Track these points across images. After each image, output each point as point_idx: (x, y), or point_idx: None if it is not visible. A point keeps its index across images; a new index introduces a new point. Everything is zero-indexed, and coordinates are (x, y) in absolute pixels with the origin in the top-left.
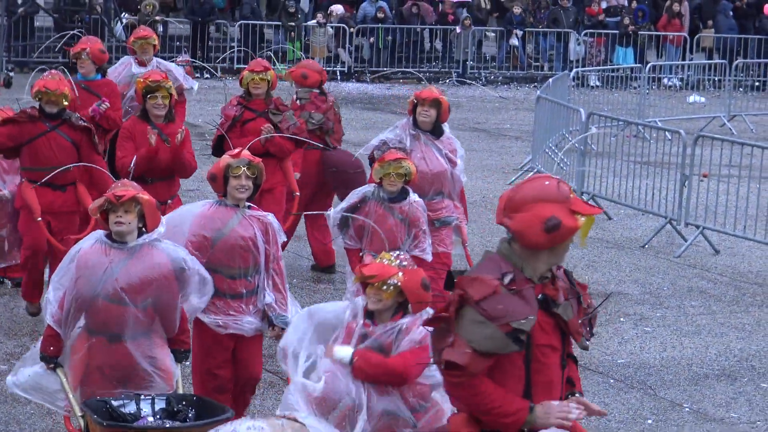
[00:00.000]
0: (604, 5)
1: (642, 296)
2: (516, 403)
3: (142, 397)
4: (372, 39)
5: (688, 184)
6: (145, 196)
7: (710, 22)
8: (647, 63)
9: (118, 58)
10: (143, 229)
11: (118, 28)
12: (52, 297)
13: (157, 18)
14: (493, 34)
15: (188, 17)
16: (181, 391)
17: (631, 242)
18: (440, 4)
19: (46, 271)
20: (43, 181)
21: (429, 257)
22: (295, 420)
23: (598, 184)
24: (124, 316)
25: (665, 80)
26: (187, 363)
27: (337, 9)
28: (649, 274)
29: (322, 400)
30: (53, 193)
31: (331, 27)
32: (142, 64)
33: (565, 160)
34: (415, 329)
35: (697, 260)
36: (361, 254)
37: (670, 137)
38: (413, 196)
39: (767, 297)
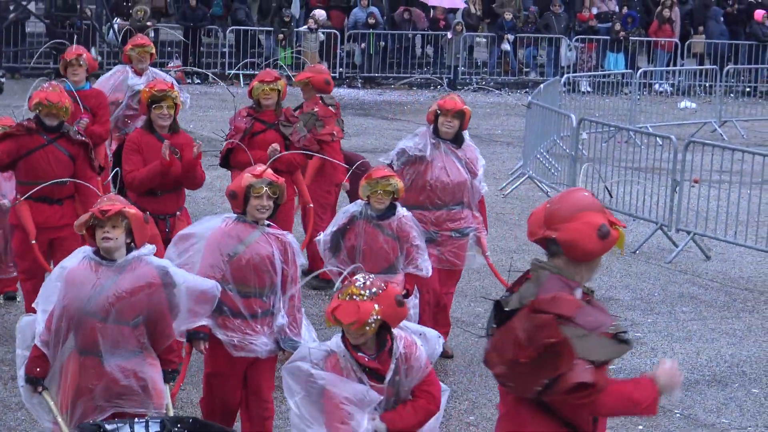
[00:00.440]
0: (595, 11)
1: (633, 302)
2: (641, 385)
3: (136, 420)
4: (363, 45)
5: (679, 189)
6: (132, 210)
7: (701, 28)
8: (638, 69)
9: (109, 64)
10: (132, 244)
11: (110, 36)
12: (39, 317)
13: (149, 24)
14: (484, 40)
15: (180, 23)
16: (171, 411)
17: None
18: (432, 10)
19: None
20: (31, 193)
21: (426, 273)
22: None
23: (588, 189)
24: (114, 335)
25: (656, 86)
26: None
27: (320, 14)
28: (640, 280)
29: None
30: (50, 207)
31: (323, 33)
32: (138, 73)
33: (557, 165)
34: (412, 353)
35: (688, 266)
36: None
37: (661, 143)
38: (402, 211)
39: (758, 303)
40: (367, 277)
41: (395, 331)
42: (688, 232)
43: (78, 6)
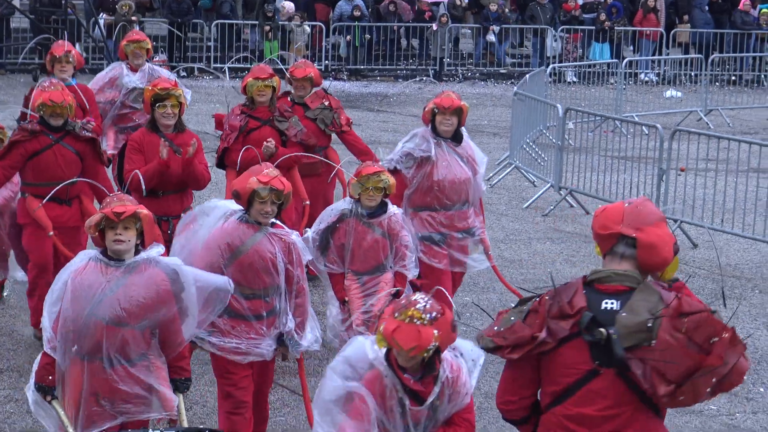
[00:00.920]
0: (580, 1)
1: None
2: None
3: (149, 431)
4: (349, 37)
5: (666, 178)
6: (144, 210)
7: (686, 17)
8: (623, 58)
9: (95, 59)
10: (140, 245)
11: (96, 31)
12: (46, 323)
13: (134, 18)
14: (469, 31)
15: (166, 17)
16: (185, 423)
17: None
18: (417, 2)
19: None
20: (47, 196)
21: (412, 273)
22: None
23: (575, 179)
24: (122, 339)
25: (642, 75)
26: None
27: (289, 6)
28: None
29: None
30: (60, 207)
31: (309, 26)
32: (134, 69)
33: (543, 155)
34: (458, 377)
35: None
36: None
37: (647, 132)
38: (392, 209)
39: (745, 290)
40: (425, 298)
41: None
42: (675, 221)
43: (63, 1)
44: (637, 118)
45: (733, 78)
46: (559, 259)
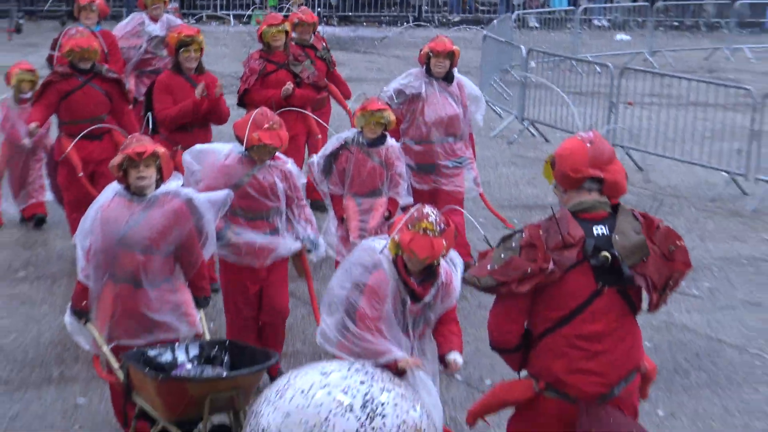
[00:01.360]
0: None
1: None
2: None
3: (177, 345)
4: None
5: (615, 111)
6: (161, 149)
7: None
8: (579, 6)
9: (115, 7)
10: (159, 180)
11: None
12: (79, 253)
13: None
14: None
15: None
16: (206, 332)
17: None
18: None
19: None
20: (78, 136)
21: (403, 200)
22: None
23: (537, 111)
24: (148, 264)
25: (595, 21)
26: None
27: None
28: None
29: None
30: (91, 143)
31: None
32: (153, 19)
33: (509, 91)
34: (450, 282)
35: None
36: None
37: (599, 70)
38: (390, 141)
39: (682, 207)
40: (434, 211)
41: None
42: (623, 147)
43: None
44: (590, 59)
45: (676, 23)
46: (522, 181)
